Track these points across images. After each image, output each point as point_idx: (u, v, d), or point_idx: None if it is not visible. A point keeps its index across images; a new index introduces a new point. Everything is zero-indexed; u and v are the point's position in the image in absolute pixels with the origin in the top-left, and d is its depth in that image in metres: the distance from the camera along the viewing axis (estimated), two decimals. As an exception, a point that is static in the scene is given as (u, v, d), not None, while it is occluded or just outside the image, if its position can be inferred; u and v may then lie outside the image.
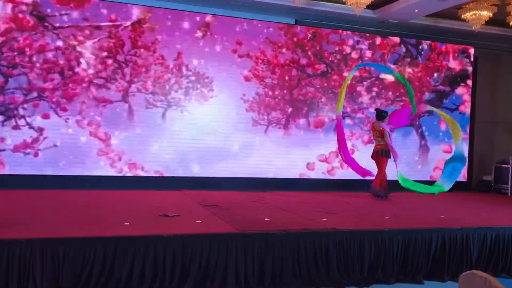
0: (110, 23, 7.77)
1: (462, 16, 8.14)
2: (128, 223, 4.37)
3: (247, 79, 8.50)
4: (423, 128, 9.76)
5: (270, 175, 8.57)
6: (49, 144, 7.47)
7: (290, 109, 8.74)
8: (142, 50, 7.93)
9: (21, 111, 7.45)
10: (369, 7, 7.73)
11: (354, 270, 4.49)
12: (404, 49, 9.54)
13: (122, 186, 7.43)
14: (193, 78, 8.17)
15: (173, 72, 8.06)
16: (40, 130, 7.49)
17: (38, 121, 7.49)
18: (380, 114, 7.40)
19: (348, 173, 8.81)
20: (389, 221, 5.18)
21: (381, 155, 7.23)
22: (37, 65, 7.47)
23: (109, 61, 7.78)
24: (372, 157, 7.41)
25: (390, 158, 7.24)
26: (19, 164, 7.34)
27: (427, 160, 9.71)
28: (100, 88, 7.73)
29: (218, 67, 8.31)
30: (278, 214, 5.29)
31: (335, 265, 4.41)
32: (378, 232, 4.60)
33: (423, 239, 4.69)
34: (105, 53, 7.75)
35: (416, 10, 8.13)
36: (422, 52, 9.67)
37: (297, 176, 8.72)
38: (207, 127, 8.23)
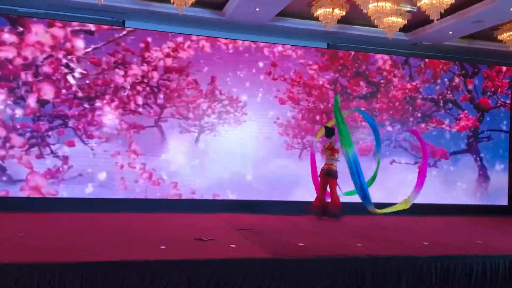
0: (142, 48, 7.95)
1: (499, 37, 8.00)
2: (164, 247, 4.43)
3: (282, 102, 8.54)
4: (482, 155, 9.53)
5: (304, 198, 8.49)
6: (73, 174, 7.57)
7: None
8: (174, 74, 8.04)
9: (46, 139, 7.53)
10: (401, 30, 7.70)
11: (390, 298, 4.39)
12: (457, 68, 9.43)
13: (156, 209, 7.49)
14: (226, 102, 8.28)
15: (206, 96, 8.19)
16: (65, 158, 7.55)
17: (63, 149, 7.55)
18: (328, 132, 7.26)
19: (385, 197, 8.69)
20: (427, 247, 5.05)
21: (331, 176, 7.13)
22: (63, 91, 7.61)
23: (141, 86, 7.90)
24: (319, 176, 7.38)
25: (338, 178, 7.17)
26: (47, 186, 7.49)
27: (487, 188, 9.48)
28: (131, 113, 7.84)
29: (251, 90, 8.39)
30: (312, 239, 5.25)
31: (371, 292, 4.33)
32: (415, 259, 4.50)
33: (463, 266, 4.55)
34: (136, 78, 7.88)
35: (451, 32, 8.05)
36: (481, 71, 9.53)
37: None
38: (240, 151, 8.26)
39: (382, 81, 9.04)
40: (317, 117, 8.71)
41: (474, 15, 7.21)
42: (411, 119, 9.20)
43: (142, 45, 7.98)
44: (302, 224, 6.44)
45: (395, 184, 8.72)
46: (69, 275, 3.67)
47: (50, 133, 7.59)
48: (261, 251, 4.49)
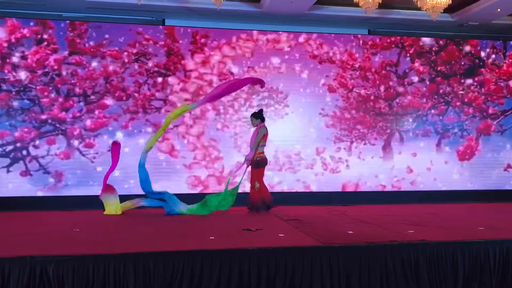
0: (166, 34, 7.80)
1: (551, 12, 7.60)
2: (213, 237, 4.45)
3: (330, 90, 8.30)
4: None
5: (351, 189, 8.35)
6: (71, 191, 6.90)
7: (381, 123, 8.44)
8: (206, 67, 7.89)
9: (32, 150, 6.72)
10: (446, 10, 7.42)
11: (447, 285, 4.23)
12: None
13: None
14: (265, 94, 8.16)
15: (243, 89, 8.04)
16: (58, 175, 6.80)
17: (55, 162, 6.79)
18: (260, 116, 6.78)
19: (432, 185, 8.46)
20: (484, 231, 4.85)
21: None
22: (51, 87, 6.90)
23: (165, 79, 7.68)
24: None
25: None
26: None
27: None
28: (157, 111, 7.64)
29: (293, 80, 8.19)
30: (362, 227, 5.15)
31: (426, 279, 4.19)
32: (472, 243, 4.31)
33: (524, 250, 4.33)
34: (160, 71, 7.66)
35: (499, 10, 7.69)
36: None
37: (377, 189, 8.44)
38: (283, 146, 8.14)
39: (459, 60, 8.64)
40: (374, 106, 8.39)
41: (523, -10, 6.87)
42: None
43: (166, 32, 7.82)
44: (351, 214, 6.33)
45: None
46: (124, 265, 3.74)
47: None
48: (310, 239, 4.43)
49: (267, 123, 8.05)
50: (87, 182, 7.22)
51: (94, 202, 7.02)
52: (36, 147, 6.80)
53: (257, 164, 6.61)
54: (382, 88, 8.45)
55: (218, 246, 4.07)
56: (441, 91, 8.65)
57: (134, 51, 7.69)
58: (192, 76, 7.92)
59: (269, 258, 3.96)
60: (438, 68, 8.67)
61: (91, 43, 7.58)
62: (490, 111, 8.78)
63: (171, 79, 7.81)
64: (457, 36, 8.88)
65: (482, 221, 5.63)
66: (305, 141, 8.23)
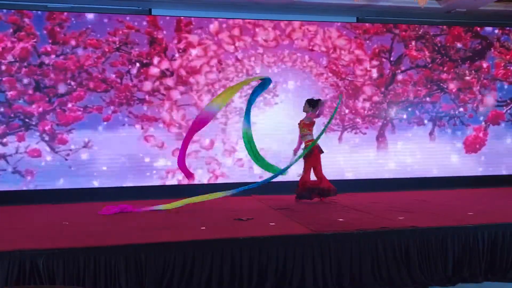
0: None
1: (539, -3, 7.62)
2: (204, 228, 4.45)
3: (321, 78, 8.19)
4: None
5: (342, 178, 8.35)
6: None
7: (373, 111, 8.36)
8: (190, 54, 7.74)
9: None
10: (433, -3, 7.45)
11: (437, 269, 4.29)
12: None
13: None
14: (254, 83, 8.06)
15: (236, 76, 7.88)
16: (30, 173, 6.53)
17: (25, 161, 6.52)
18: (313, 106, 6.62)
19: (422, 171, 8.50)
20: (473, 216, 4.90)
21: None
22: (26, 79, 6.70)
23: (148, 68, 7.52)
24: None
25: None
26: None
27: None
28: (140, 102, 7.47)
29: (283, 68, 8.08)
30: (352, 215, 5.18)
31: (416, 264, 4.24)
32: (461, 228, 4.37)
33: (512, 233, 4.39)
34: (143, 60, 7.49)
35: (485, -5, 7.72)
36: None
37: (367, 177, 8.46)
38: (274, 135, 8.00)
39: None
40: (369, 94, 8.31)
41: (510, -25, 6.88)
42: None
43: (149, 19, 7.65)
44: (341, 202, 6.36)
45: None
46: (115, 257, 3.73)
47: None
48: (301, 227, 4.45)
49: (255, 114, 8.03)
50: (60, 178, 7.15)
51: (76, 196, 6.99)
52: (3, 144, 6.67)
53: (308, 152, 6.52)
54: (374, 75, 8.43)
55: (209, 236, 4.08)
56: (436, 77, 8.62)
57: (116, 39, 7.56)
58: (177, 65, 7.82)
59: (260, 247, 3.97)
60: (442, 51, 8.62)
61: (71, 32, 7.44)
62: (499, 98, 8.78)
63: (154, 68, 7.69)
64: (444, 23, 8.87)
65: (471, 206, 5.69)
66: (296, 131, 8.17)
